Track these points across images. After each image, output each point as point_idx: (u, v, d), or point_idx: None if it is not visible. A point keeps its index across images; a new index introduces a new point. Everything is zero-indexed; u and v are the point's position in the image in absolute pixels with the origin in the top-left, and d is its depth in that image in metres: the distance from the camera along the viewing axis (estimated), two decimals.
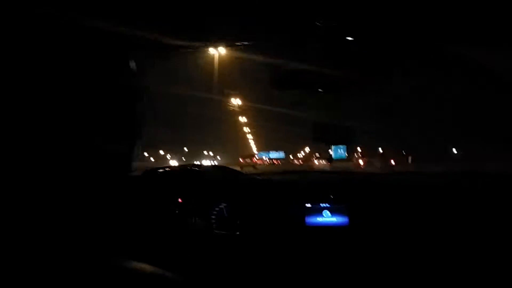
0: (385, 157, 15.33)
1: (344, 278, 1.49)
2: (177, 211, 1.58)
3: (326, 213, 1.61)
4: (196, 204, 1.61)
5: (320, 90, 1.73)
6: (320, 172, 2.16)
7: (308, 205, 1.62)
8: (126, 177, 0.96)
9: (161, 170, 1.73)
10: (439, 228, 1.56)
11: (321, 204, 1.61)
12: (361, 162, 14.41)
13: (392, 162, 14.55)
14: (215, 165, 1.83)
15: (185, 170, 1.76)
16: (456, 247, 1.51)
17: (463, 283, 1.46)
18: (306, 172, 2.62)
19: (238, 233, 1.56)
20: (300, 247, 1.59)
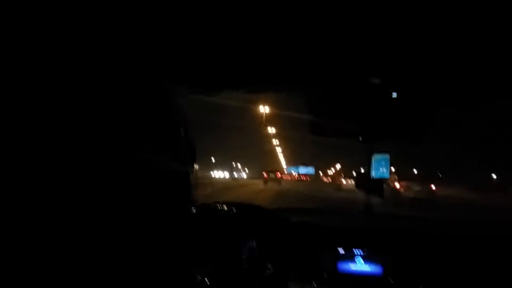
0: (424, 181, 14.60)
1: None
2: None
3: (359, 260, 1.58)
4: (228, 241, 1.62)
5: (360, 138, 1.73)
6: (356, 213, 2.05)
7: (341, 251, 1.60)
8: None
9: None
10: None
11: (354, 250, 1.59)
12: (397, 185, 13.73)
13: (433, 186, 13.83)
14: (249, 205, 1.83)
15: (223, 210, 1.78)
16: None
17: None
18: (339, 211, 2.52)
19: (268, 273, 1.55)
20: None
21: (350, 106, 1.61)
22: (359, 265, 1.58)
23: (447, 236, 1.70)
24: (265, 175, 34.31)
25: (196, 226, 1.58)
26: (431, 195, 13.28)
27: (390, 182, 14.13)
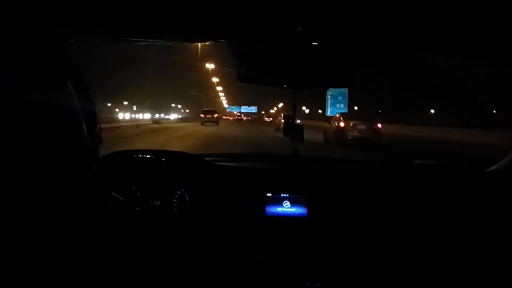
0: (369, 119, 14.14)
1: (299, 269, 1.52)
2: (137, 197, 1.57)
3: (286, 203, 1.60)
4: (156, 189, 1.58)
5: (285, 86, 1.70)
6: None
7: (269, 194, 1.61)
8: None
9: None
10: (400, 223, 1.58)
11: (282, 194, 1.61)
12: (342, 124, 13.36)
13: (379, 125, 13.62)
14: (173, 152, 1.77)
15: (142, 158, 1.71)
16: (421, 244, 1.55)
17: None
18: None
19: (196, 219, 1.55)
20: (258, 237, 1.59)
21: (274, 54, 1.58)
22: (286, 208, 1.61)
23: (374, 178, 1.75)
24: (202, 116, 34.24)
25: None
26: (376, 134, 13.28)
27: (333, 121, 14.10)
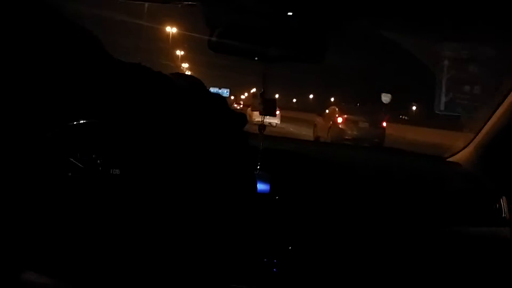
0: (372, 114, 12.13)
1: (258, 244, 1.59)
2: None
3: None
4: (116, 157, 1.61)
5: (256, 58, 1.75)
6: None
7: None
8: None
9: None
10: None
11: None
12: (339, 119, 11.55)
13: (384, 123, 11.84)
14: None
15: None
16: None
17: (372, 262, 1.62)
18: None
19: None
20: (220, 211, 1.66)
21: (247, 23, 1.62)
22: None
23: (337, 159, 1.84)
24: None
25: None
26: (380, 134, 11.42)
27: (328, 115, 12.47)
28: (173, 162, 1.40)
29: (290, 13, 1.54)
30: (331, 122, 11.92)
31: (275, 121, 18.37)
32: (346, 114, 11.70)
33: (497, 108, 1.68)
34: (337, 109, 12.37)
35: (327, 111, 13.10)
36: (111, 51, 1.11)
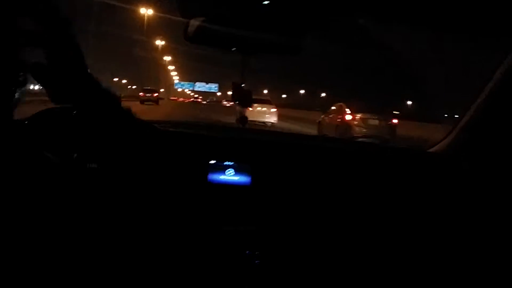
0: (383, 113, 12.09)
1: (240, 236, 1.62)
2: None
3: (230, 170, 1.69)
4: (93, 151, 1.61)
5: (233, 49, 1.77)
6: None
7: (212, 162, 1.69)
8: None
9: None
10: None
11: (225, 162, 1.69)
12: (348, 117, 11.37)
13: (394, 120, 11.78)
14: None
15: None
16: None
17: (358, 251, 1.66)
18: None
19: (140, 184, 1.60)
20: (199, 203, 1.68)
21: (224, 13, 1.64)
22: (229, 176, 1.70)
23: (318, 151, 1.88)
24: (141, 94, 35.85)
25: None
26: (391, 131, 11.38)
27: (334, 112, 12.34)
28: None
29: (266, 2, 1.57)
30: (338, 120, 11.87)
31: (269, 120, 17.90)
32: (356, 111, 11.66)
33: (476, 98, 1.74)
34: (343, 106, 12.31)
35: (333, 107, 13.01)
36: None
